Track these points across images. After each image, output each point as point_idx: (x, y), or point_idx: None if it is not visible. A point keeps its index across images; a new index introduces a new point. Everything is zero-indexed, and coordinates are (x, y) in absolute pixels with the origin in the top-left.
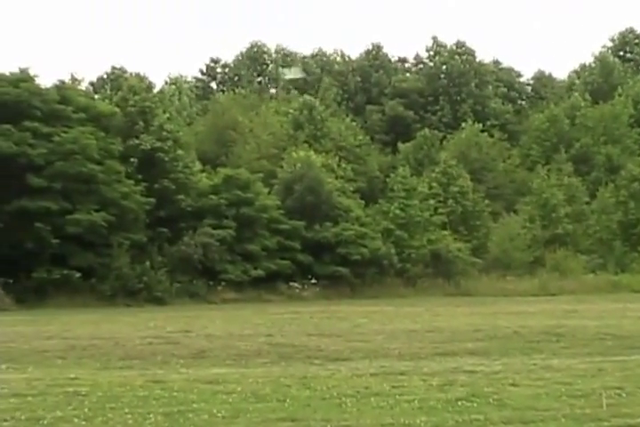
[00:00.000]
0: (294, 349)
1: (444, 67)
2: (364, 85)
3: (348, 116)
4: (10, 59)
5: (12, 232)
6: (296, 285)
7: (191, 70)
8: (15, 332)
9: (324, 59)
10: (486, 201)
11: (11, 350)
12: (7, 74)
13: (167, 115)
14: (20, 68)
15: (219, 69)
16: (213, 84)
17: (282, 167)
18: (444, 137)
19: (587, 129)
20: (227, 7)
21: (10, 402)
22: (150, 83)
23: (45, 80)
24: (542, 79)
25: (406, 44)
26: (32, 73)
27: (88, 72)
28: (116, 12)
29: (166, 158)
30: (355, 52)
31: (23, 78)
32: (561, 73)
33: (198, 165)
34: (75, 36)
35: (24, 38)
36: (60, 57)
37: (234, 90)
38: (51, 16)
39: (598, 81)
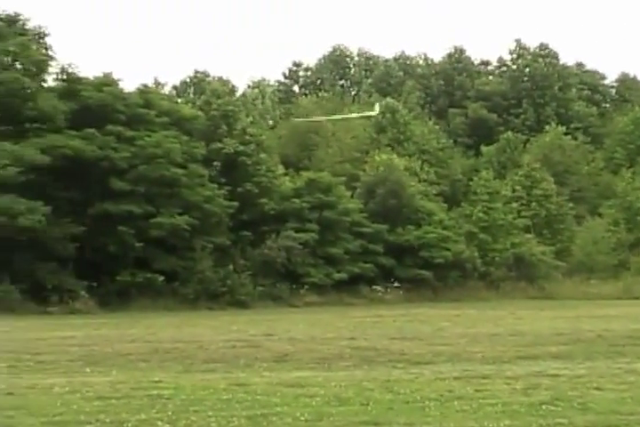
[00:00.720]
0: (377, 352)
1: (527, 69)
2: (446, 88)
3: (430, 119)
4: (94, 63)
5: (95, 236)
6: (378, 288)
7: (274, 74)
8: (99, 335)
9: (407, 62)
10: (570, 204)
11: (94, 353)
12: (91, 78)
13: (250, 118)
14: (103, 73)
15: (301, 73)
16: (296, 88)
17: (364, 170)
18: (528, 140)
19: None
20: (309, 11)
21: (94, 405)
22: (233, 86)
23: (129, 84)
24: (626, 81)
25: (489, 47)
26: (115, 77)
27: (171, 76)
28: (199, 17)
29: (249, 162)
30: (437, 55)
31: (107, 82)
32: None
33: (281, 169)
34: (158, 41)
35: (108, 43)
36: (144, 61)
37: (316, 93)
38: (134, 21)
39: None
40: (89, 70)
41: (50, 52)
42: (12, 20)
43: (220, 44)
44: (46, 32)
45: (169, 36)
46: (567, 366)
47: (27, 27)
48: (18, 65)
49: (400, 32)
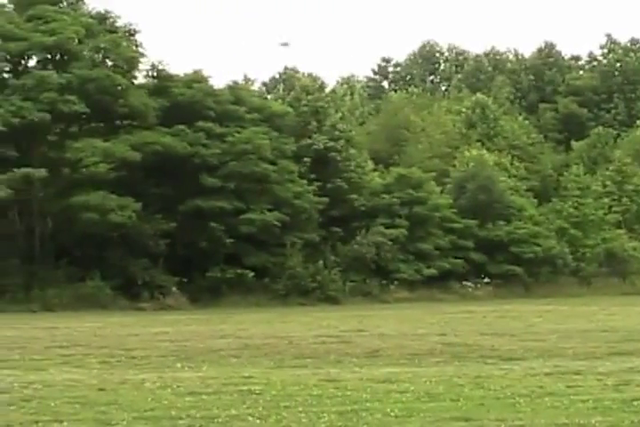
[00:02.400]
0: (468, 348)
1: (618, 64)
2: (537, 84)
3: (520, 114)
4: (183, 60)
5: (186, 232)
6: (469, 284)
7: (363, 70)
8: (190, 331)
9: (497, 57)
10: None
11: (186, 348)
12: (181, 75)
13: (339, 114)
14: (193, 70)
15: (390, 69)
16: (385, 84)
17: (454, 166)
18: (619, 135)
19: None
20: (399, 7)
21: (185, 400)
22: (322, 83)
23: (218, 81)
24: None
25: (579, 42)
26: (205, 74)
27: (261, 73)
28: (287, 13)
29: (339, 158)
30: (527, 50)
31: (197, 79)
32: None
33: (370, 165)
34: (247, 38)
35: (197, 40)
36: (233, 58)
37: (406, 89)
38: (223, 18)
39: None
40: (179, 67)
41: (140, 50)
42: (102, 18)
43: (309, 40)
44: (136, 29)
45: (258, 32)
46: None
47: (117, 24)
48: (109, 62)
49: (490, 27)
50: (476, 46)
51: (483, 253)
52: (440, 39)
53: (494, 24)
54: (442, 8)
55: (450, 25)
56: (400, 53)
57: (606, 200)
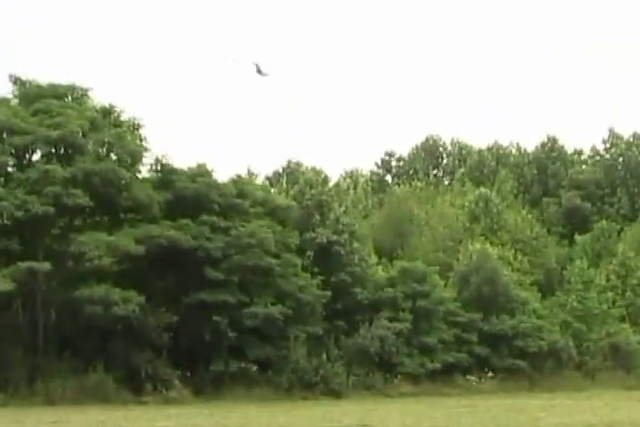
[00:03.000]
0: None
1: (621, 159)
2: (540, 177)
3: (524, 208)
4: (188, 152)
5: (190, 325)
6: (473, 377)
7: (367, 163)
8: (193, 425)
9: (500, 151)
10: None
11: None
12: (185, 169)
13: (343, 208)
14: (197, 163)
15: (394, 163)
16: (388, 177)
17: (458, 259)
18: (622, 229)
19: None
20: (401, 100)
21: None
22: (326, 177)
23: (222, 174)
24: None
25: (582, 136)
26: (209, 167)
27: (264, 166)
28: (293, 108)
29: (342, 251)
30: (530, 143)
31: (201, 173)
32: None
33: (374, 258)
34: (251, 131)
35: (203, 132)
36: (237, 151)
37: (410, 183)
38: (227, 112)
39: None
40: (183, 159)
41: (144, 143)
42: (107, 112)
43: (313, 133)
44: (141, 123)
45: (262, 126)
46: None
47: (121, 118)
48: (113, 156)
49: (493, 121)
50: (479, 140)
51: (487, 347)
52: (443, 133)
53: (497, 118)
54: (445, 102)
55: (453, 119)
56: (403, 147)
57: (610, 294)
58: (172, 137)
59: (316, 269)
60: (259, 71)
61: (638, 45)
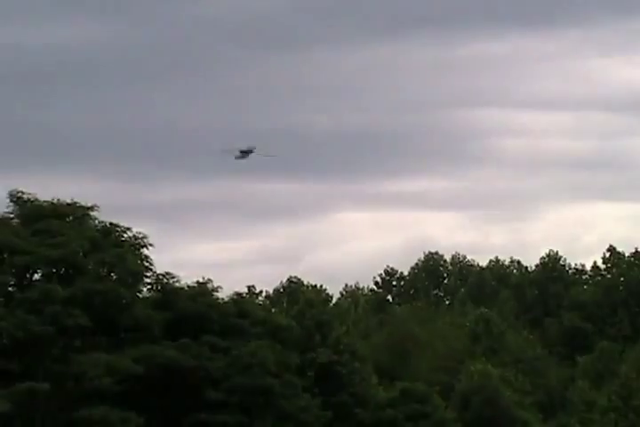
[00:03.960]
0: None
1: (622, 278)
2: (541, 297)
3: (525, 328)
4: (189, 266)
5: None
6: None
7: (366, 279)
8: None
9: (501, 271)
10: None
11: None
12: (186, 288)
13: (344, 328)
14: (198, 282)
15: (394, 282)
16: (389, 297)
17: (459, 380)
18: (624, 349)
19: None
20: (401, 216)
21: None
22: (327, 295)
23: (223, 286)
24: None
25: (583, 252)
26: (210, 286)
27: (265, 283)
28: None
29: (344, 371)
30: (531, 259)
31: (202, 292)
32: None
33: (375, 378)
34: (251, 247)
35: (202, 250)
36: (239, 266)
37: (410, 302)
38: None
39: None
40: (185, 271)
41: (146, 263)
42: (108, 232)
43: (313, 252)
44: (142, 243)
45: (265, 244)
46: None
47: (123, 238)
48: (114, 275)
49: (493, 238)
50: (480, 255)
51: None
52: (443, 249)
53: (498, 237)
54: (445, 222)
55: (453, 237)
56: (404, 264)
57: (613, 415)
58: (175, 252)
59: (316, 390)
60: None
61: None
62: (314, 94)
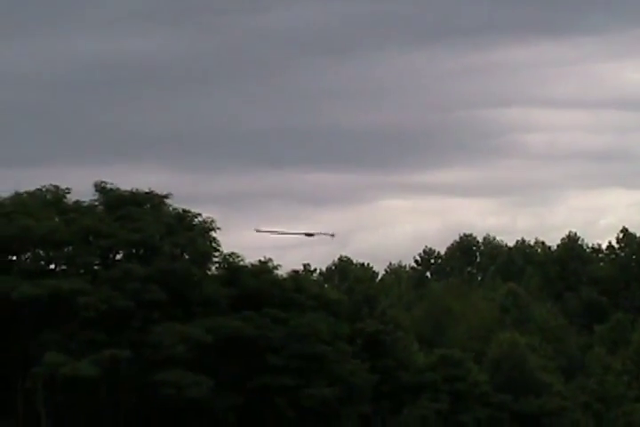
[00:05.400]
0: None
1: (634, 256)
2: (562, 274)
3: (548, 301)
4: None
5: (253, 405)
6: None
7: (408, 259)
8: None
9: (527, 250)
10: None
11: None
12: (249, 267)
13: (389, 301)
14: (260, 261)
15: (432, 261)
16: (428, 274)
17: (490, 347)
18: (636, 319)
19: None
20: (438, 203)
21: None
22: (373, 272)
23: (282, 267)
24: None
25: (600, 234)
26: (270, 265)
27: (319, 262)
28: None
29: (388, 339)
30: (553, 238)
31: (263, 270)
32: None
33: (416, 345)
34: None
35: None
36: (295, 251)
37: (446, 279)
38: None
39: None
40: (247, 253)
41: (214, 244)
42: (181, 217)
43: (361, 231)
44: (211, 226)
45: (316, 225)
46: None
47: (194, 223)
48: (186, 256)
49: (520, 221)
50: (508, 235)
51: (517, 424)
52: (476, 230)
53: (524, 218)
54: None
55: (484, 217)
56: (440, 243)
57: (626, 378)
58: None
59: (364, 356)
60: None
61: None
62: (359, 96)
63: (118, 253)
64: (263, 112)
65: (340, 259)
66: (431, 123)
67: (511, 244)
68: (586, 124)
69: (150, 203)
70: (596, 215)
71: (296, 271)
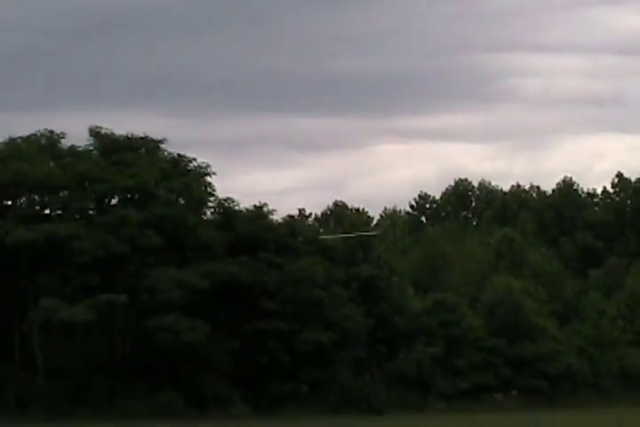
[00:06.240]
0: None
1: (629, 201)
2: (557, 219)
3: (543, 246)
4: (248, 188)
5: (249, 350)
6: (499, 396)
7: (403, 204)
8: None
9: (522, 195)
10: None
11: None
12: (244, 211)
13: (384, 246)
14: (254, 205)
15: (427, 206)
16: (423, 218)
17: (485, 292)
18: (630, 264)
19: None
20: (433, 148)
21: None
22: (368, 217)
23: (278, 212)
24: None
25: (595, 179)
26: (265, 209)
27: (314, 206)
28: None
29: (383, 284)
30: (549, 183)
31: (259, 215)
32: None
33: (411, 290)
34: (301, 175)
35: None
36: (290, 196)
37: (442, 224)
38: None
39: None
40: (243, 194)
41: (209, 190)
42: (176, 162)
43: (355, 175)
44: (206, 171)
45: (311, 170)
46: None
47: (189, 168)
48: (181, 201)
49: (515, 166)
50: (503, 180)
51: (511, 369)
52: (471, 175)
53: (519, 160)
54: (472, 153)
55: (480, 162)
56: (436, 188)
57: (620, 322)
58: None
59: (359, 300)
60: None
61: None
62: (357, 41)
63: (113, 198)
64: (261, 57)
65: (336, 204)
66: (429, 68)
67: (506, 189)
68: (583, 70)
69: (145, 148)
70: (592, 160)
71: (291, 216)
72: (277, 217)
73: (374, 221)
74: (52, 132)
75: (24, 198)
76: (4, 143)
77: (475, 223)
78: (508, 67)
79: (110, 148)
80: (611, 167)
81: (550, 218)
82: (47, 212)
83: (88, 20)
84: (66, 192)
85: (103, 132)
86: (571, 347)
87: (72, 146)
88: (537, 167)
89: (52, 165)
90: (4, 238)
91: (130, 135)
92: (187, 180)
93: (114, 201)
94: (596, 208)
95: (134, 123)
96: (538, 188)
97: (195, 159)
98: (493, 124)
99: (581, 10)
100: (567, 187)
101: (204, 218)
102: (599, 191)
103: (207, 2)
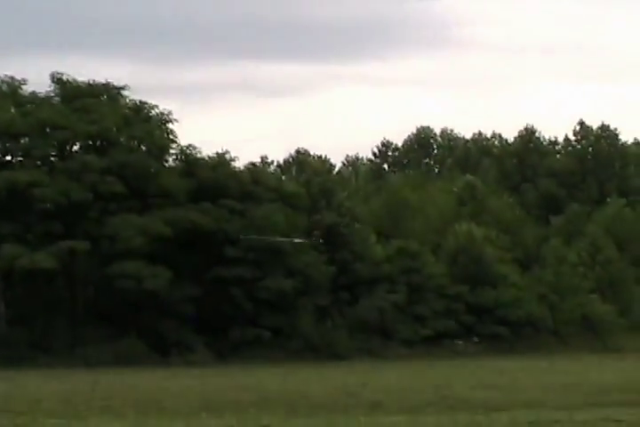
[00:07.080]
0: (459, 400)
1: (591, 149)
2: (519, 167)
3: (505, 193)
4: (211, 133)
5: (211, 297)
6: (460, 342)
7: (365, 151)
8: (213, 384)
9: (484, 143)
10: (631, 268)
11: (210, 400)
12: (207, 159)
13: (346, 193)
14: (217, 153)
15: (390, 153)
16: (385, 166)
17: (448, 239)
18: (592, 211)
19: None
20: (397, 94)
21: None
22: (331, 165)
23: (238, 154)
24: None
25: (557, 127)
26: (227, 157)
27: (277, 153)
28: (302, 101)
29: (346, 232)
30: (511, 131)
31: (221, 162)
32: None
33: (373, 238)
34: (263, 122)
35: (221, 121)
36: (253, 136)
37: (404, 171)
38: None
39: None
40: (206, 143)
41: (171, 137)
42: (138, 109)
43: (316, 123)
44: (168, 118)
45: (273, 116)
46: (630, 413)
47: (151, 114)
48: (143, 148)
49: (477, 113)
50: (465, 128)
51: (472, 316)
52: (433, 122)
53: (480, 110)
54: (436, 96)
55: (442, 110)
56: (398, 135)
57: (581, 269)
58: (197, 126)
59: (322, 248)
60: None
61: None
62: None
63: (75, 144)
64: (222, 3)
65: (298, 151)
66: (390, 15)
67: (468, 136)
68: (544, 17)
69: (107, 94)
70: (553, 108)
71: (253, 164)
72: (240, 165)
73: (336, 169)
74: (12, 78)
75: None
76: None
77: (437, 171)
78: (470, 13)
79: (72, 94)
80: (572, 115)
81: (512, 165)
82: (8, 158)
83: None
84: (27, 139)
85: (65, 78)
86: (532, 294)
87: (33, 92)
88: (499, 115)
89: (12, 111)
90: None
91: (91, 82)
92: (149, 127)
93: (75, 148)
94: (558, 156)
95: (96, 69)
96: (500, 135)
97: (157, 106)
98: (455, 72)
99: None
100: (529, 134)
101: (166, 165)
102: (561, 139)
103: None
